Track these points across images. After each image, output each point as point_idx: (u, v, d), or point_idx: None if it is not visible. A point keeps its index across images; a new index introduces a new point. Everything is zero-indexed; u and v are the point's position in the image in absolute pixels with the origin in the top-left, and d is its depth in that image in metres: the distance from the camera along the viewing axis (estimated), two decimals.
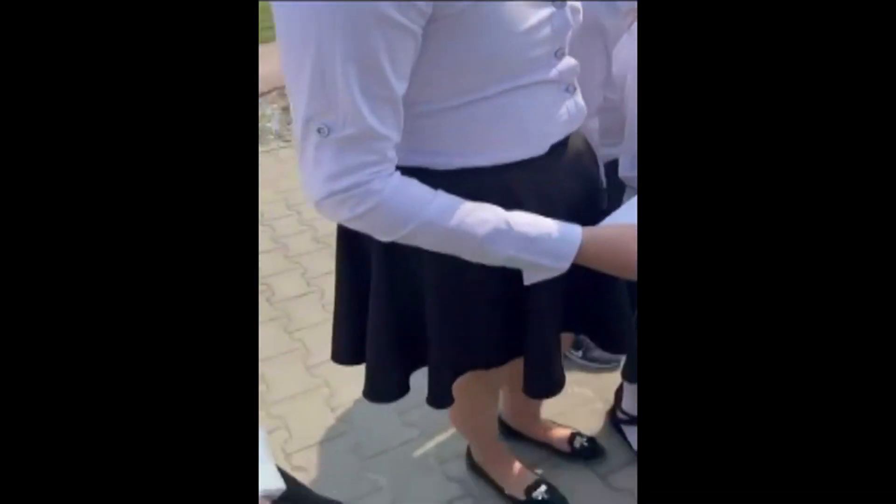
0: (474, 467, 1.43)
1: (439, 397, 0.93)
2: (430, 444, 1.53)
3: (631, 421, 1.46)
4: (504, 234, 0.72)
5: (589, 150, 0.93)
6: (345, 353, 0.99)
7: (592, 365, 1.68)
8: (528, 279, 0.80)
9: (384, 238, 0.73)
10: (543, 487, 1.35)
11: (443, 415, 1.21)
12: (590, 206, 0.89)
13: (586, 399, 1.60)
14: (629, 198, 0.94)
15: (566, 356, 1.61)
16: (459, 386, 0.96)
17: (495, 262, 0.75)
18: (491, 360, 0.94)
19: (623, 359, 1.51)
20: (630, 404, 1.45)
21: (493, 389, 1.22)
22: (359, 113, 0.63)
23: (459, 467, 1.46)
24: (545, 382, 0.94)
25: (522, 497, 1.35)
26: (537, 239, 0.73)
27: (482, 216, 0.72)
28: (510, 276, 0.80)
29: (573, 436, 1.46)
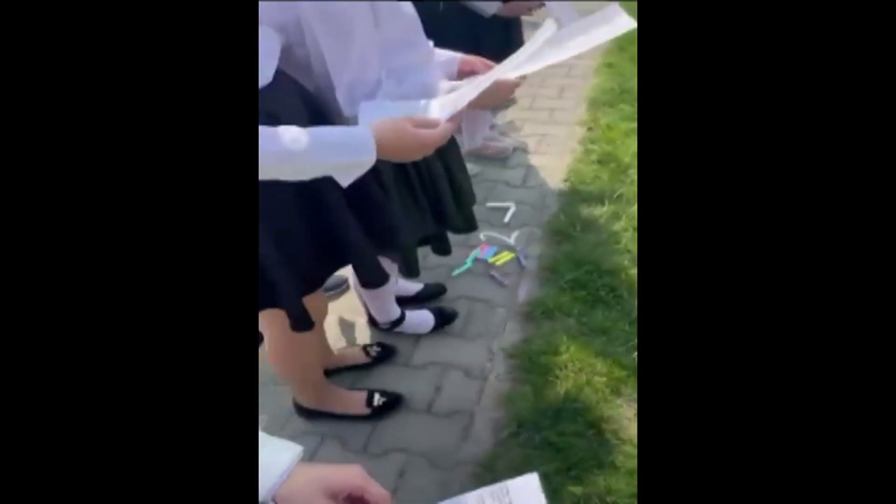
0: (305, 412, 1.50)
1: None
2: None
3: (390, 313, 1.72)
4: (317, 145, 0.82)
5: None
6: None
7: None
8: (345, 181, 0.89)
9: None
10: (377, 394, 1.53)
11: None
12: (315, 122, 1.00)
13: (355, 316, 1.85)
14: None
15: None
16: (284, 334, 1.12)
17: (314, 173, 0.85)
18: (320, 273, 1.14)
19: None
20: (374, 306, 1.73)
21: (316, 329, 1.27)
22: None
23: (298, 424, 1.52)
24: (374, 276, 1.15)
25: (368, 411, 1.51)
26: (343, 142, 0.85)
27: (294, 135, 0.81)
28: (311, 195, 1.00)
29: (365, 348, 1.70)
